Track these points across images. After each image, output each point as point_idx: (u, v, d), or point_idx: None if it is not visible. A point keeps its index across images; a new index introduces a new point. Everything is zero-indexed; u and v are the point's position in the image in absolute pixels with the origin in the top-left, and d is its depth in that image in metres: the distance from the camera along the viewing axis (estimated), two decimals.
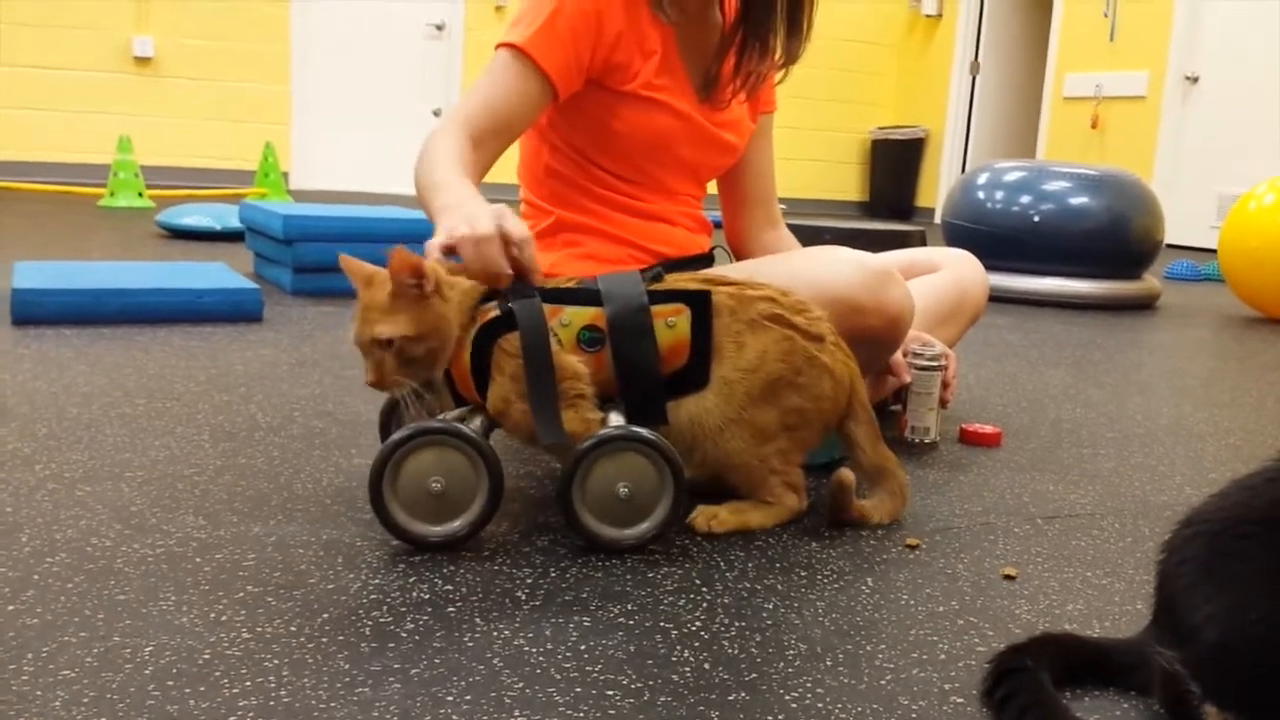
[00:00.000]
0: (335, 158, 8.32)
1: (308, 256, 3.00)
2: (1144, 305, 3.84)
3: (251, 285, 2.59)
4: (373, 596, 1.05)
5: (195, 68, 7.75)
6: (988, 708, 0.89)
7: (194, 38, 7.72)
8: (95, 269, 2.70)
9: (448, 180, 1.39)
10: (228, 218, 4.40)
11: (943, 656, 0.99)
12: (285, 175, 7.88)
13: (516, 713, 0.85)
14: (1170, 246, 7.23)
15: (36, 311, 2.35)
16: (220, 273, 2.76)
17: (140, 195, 5.96)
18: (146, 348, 2.16)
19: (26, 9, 7.29)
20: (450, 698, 0.87)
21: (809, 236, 2.62)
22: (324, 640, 0.95)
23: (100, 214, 5.36)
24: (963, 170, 9.07)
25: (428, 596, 1.06)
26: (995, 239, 3.72)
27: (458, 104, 1.52)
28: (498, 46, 1.53)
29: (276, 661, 0.91)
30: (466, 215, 1.27)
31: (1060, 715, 0.86)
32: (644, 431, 1.19)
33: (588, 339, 1.26)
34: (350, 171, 8.39)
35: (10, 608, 0.98)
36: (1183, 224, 7.21)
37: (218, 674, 0.89)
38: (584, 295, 1.28)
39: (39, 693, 0.84)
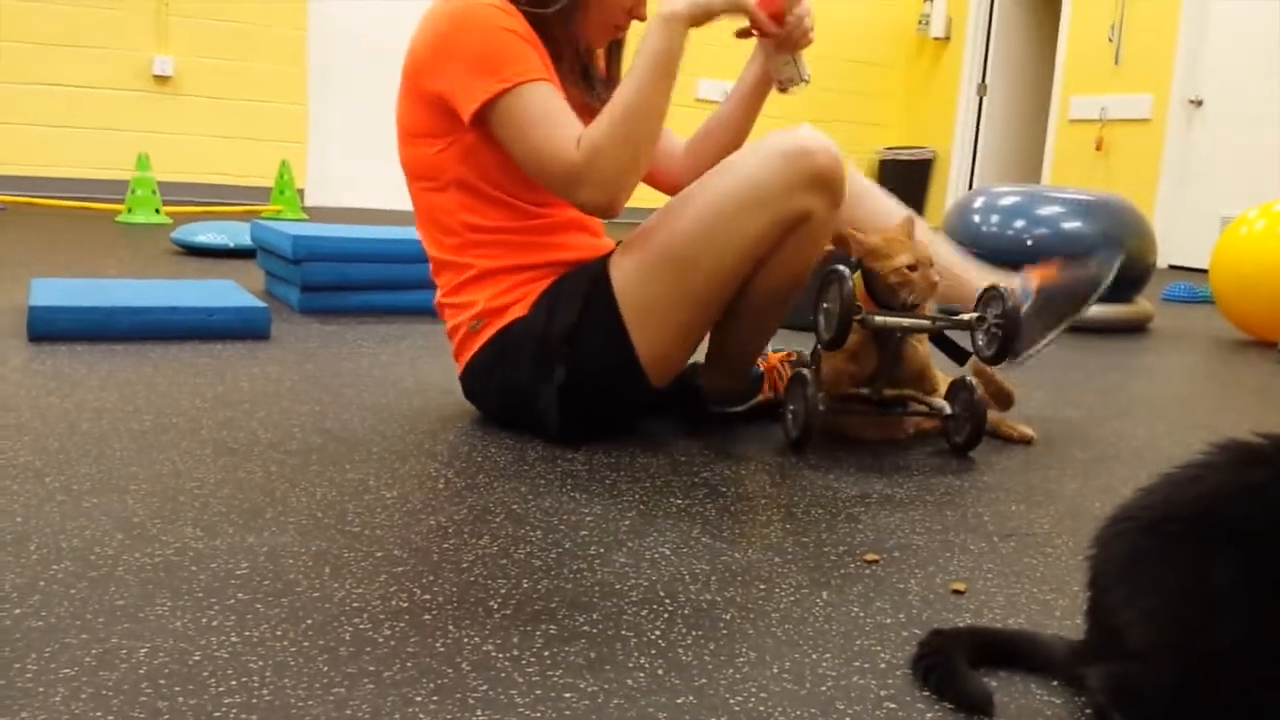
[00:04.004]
0: (350, 175, 8.43)
1: (316, 276, 3.08)
2: (1136, 328, 3.89)
3: (260, 304, 2.68)
4: (355, 604, 1.13)
5: (214, 87, 7.88)
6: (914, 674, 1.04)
7: (213, 57, 7.85)
8: (109, 286, 2.79)
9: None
10: (241, 235, 4.50)
11: (883, 665, 1.06)
12: (301, 192, 8.00)
13: (479, 712, 0.92)
14: (1173, 268, 7.28)
15: (52, 328, 2.44)
16: (230, 291, 2.85)
17: (158, 211, 6.07)
18: (157, 364, 2.25)
19: (51, 28, 7.44)
20: (419, 698, 0.94)
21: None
22: (306, 644, 1.03)
23: (118, 230, 5.47)
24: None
25: (406, 605, 1.13)
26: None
27: (553, 139, 1.66)
28: (509, 88, 1.66)
29: (261, 663, 0.99)
30: None
31: (961, 677, 0.99)
32: None
33: None
34: (365, 189, 8.51)
35: (17, 611, 1.06)
36: (1186, 246, 7.25)
37: (205, 674, 0.96)
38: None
39: (41, 689, 0.92)
